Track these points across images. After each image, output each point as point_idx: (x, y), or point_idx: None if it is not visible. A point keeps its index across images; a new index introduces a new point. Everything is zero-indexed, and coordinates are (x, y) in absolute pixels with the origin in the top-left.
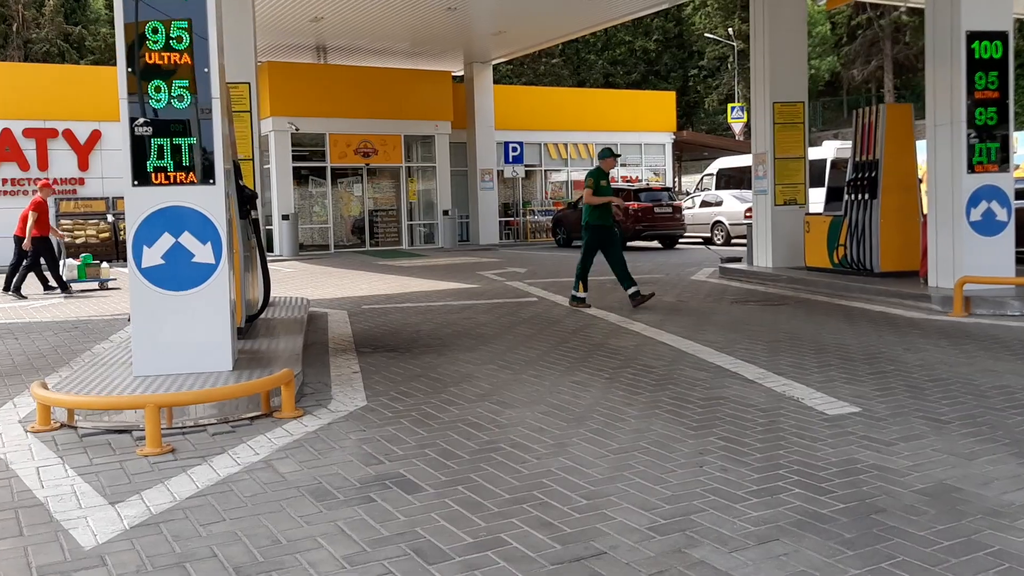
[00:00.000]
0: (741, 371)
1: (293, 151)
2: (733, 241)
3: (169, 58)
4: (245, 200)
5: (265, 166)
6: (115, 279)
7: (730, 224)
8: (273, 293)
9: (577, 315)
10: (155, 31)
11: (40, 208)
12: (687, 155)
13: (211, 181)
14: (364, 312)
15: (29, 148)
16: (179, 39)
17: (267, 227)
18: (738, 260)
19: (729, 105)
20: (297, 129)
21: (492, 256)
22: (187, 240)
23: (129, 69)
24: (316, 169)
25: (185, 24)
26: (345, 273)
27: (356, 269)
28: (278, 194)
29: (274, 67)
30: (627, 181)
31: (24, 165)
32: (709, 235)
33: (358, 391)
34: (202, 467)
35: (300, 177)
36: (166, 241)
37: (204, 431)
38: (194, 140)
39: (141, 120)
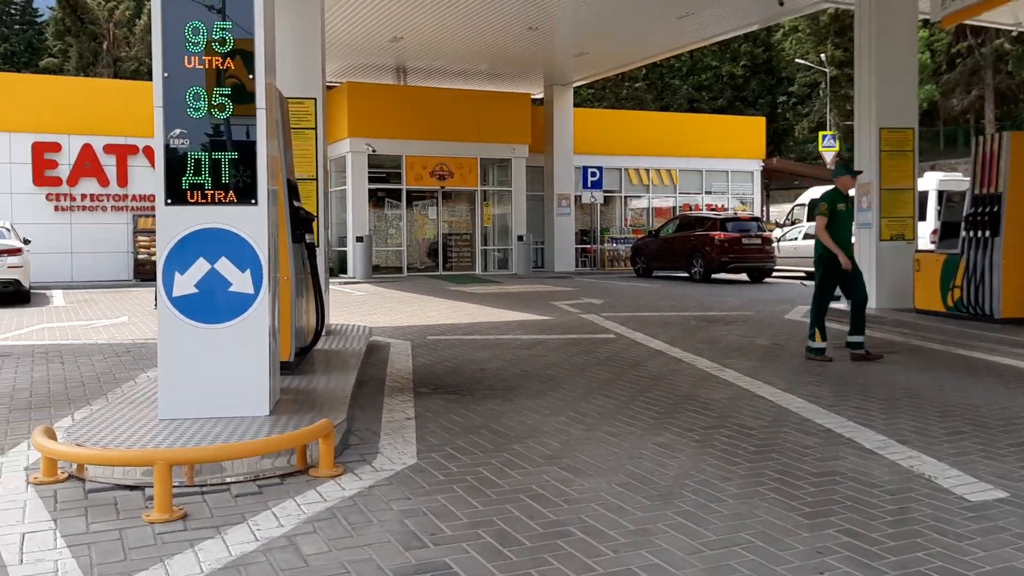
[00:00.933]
0: (856, 437)
1: (369, 172)
2: None
3: (210, 62)
4: (299, 223)
5: (341, 187)
6: None
7: None
8: (341, 318)
9: (660, 358)
10: (195, 31)
11: None
12: (775, 184)
13: (252, 201)
14: (429, 344)
15: (109, 164)
16: (222, 41)
17: (341, 248)
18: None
19: (820, 133)
20: (374, 150)
21: (567, 285)
22: (224, 267)
23: (165, 74)
24: (392, 191)
25: (229, 25)
26: (415, 298)
27: (427, 294)
28: (353, 216)
29: (353, 87)
30: (712, 209)
31: (104, 181)
32: (812, 270)
33: (409, 444)
34: (214, 541)
35: (376, 199)
36: (200, 267)
37: (228, 489)
38: (235, 155)
39: (177, 131)
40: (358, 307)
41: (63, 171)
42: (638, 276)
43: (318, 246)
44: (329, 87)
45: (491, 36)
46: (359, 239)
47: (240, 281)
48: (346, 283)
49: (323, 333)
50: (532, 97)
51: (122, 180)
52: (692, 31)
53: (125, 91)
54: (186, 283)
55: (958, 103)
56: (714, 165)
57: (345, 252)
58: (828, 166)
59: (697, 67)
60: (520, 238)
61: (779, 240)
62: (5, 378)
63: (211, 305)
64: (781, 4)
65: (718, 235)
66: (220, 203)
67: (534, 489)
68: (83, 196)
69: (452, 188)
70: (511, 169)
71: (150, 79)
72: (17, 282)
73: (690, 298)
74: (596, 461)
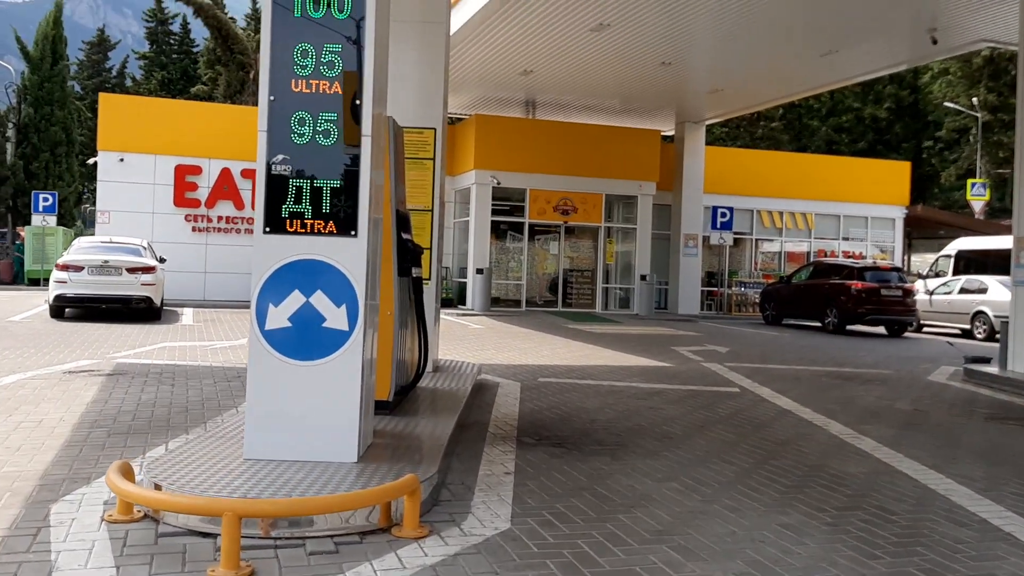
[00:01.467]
0: (1018, 533)
1: (493, 205)
2: (997, 336)
3: (318, 86)
4: (407, 256)
5: (465, 218)
6: None
7: (995, 316)
8: (453, 353)
9: (788, 419)
10: (304, 54)
11: None
12: (918, 233)
13: (353, 232)
14: (539, 387)
15: (245, 188)
16: (331, 65)
17: (461, 280)
18: (986, 361)
19: (969, 181)
20: (499, 183)
21: (690, 329)
22: (319, 301)
23: (271, 97)
24: (514, 224)
25: (339, 48)
26: (531, 335)
27: (543, 331)
28: (475, 247)
29: (481, 120)
30: (849, 257)
31: (239, 204)
32: (969, 327)
33: (504, 504)
34: None
35: (498, 231)
36: (295, 300)
37: (303, 545)
38: (338, 183)
39: (280, 156)
40: (472, 341)
41: (202, 193)
42: (767, 323)
43: (428, 280)
44: (458, 119)
45: (623, 71)
46: (479, 271)
47: (335, 317)
48: (464, 315)
49: (427, 371)
50: (663, 134)
51: (256, 203)
52: (835, 70)
53: None
54: (279, 316)
55: None
56: (853, 210)
57: (465, 283)
58: (977, 215)
59: (837, 108)
60: (643, 277)
61: (931, 293)
62: (115, 399)
63: (304, 341)
64: (934, 42)
65: (855, 284)
66: (319, 233)
67: (637, 572)
68: (219, 218)
69: (575, 223)
70: (637, 206)
71: None
72: (149, 299)
73: (822, 351)
74: (711, 542)
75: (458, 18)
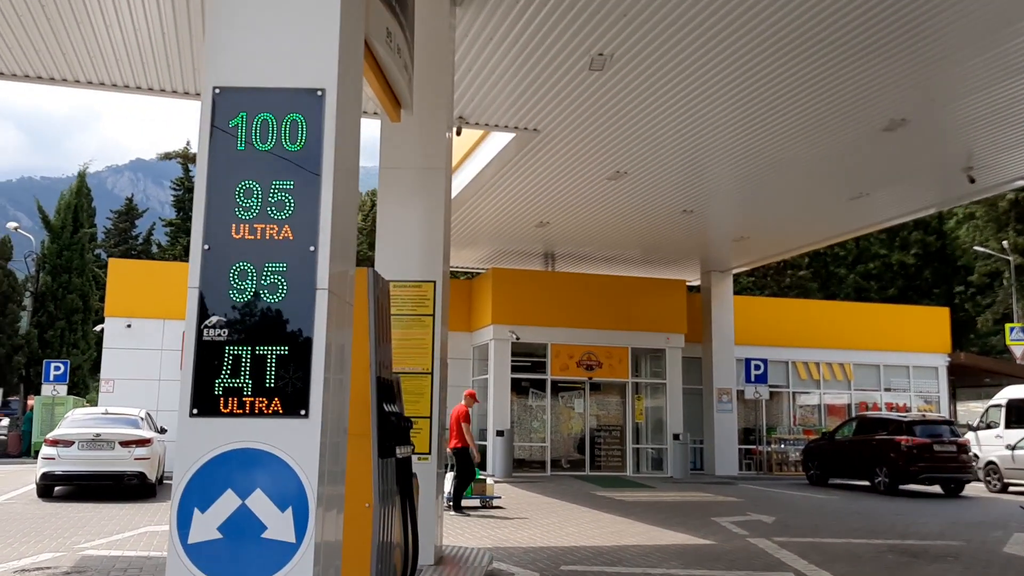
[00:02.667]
0: None
1: (513, 361)
2: None
3: (264, 231)
4: (390, 433)
5: (483, 376)
6: (499, 497)
7: None
8: (467, 532)
9: None
10: (248, 193)
11: (466, 418)
12: (961, 381)
13: (303, 412)
14: None
15: None
16: (280, 205)
17: (481, 442)
18: None
19: (1007, 326)
20: (518, 338)
21: (730, 493)
22: (259, 503)
23: (206, 246)
24: (536, 381)
25: (290, 184)
26: (556, 506)
27: (569, 500)
28: (494, 407)
29: (498, 274)
30: (892, 409)
31: None
32: None
33: None
34: None
35: (519, 389)
36: (227, 503)
37: None
38: (285, 350)
39: (215, 319)
40: (487, 515)
41: None
42: (811, 484)
43: (427, 456)
44: (475, 274)
45: (643, 220)
46: (499, 433)
47: (278, 524)
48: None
49: (423, 566)
50: (688, 284)
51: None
52: (864, 214)
53: None
54: (207, 525)
55: None
56: (893, 359)
57: (485, 447)
58: (1018, 360)
59: (864, 255)
60: (676, 436)
61: (1013, 448)
62: None
63: (238, 558)
64: (972, 181)
65: (905, 440)
66: (261, 414)
67: None
68: None
69: (601, 379)
70: (665, 360)
71: None
72: (142, 475)
73: (879, 517)
74: None
75: (470, 170)
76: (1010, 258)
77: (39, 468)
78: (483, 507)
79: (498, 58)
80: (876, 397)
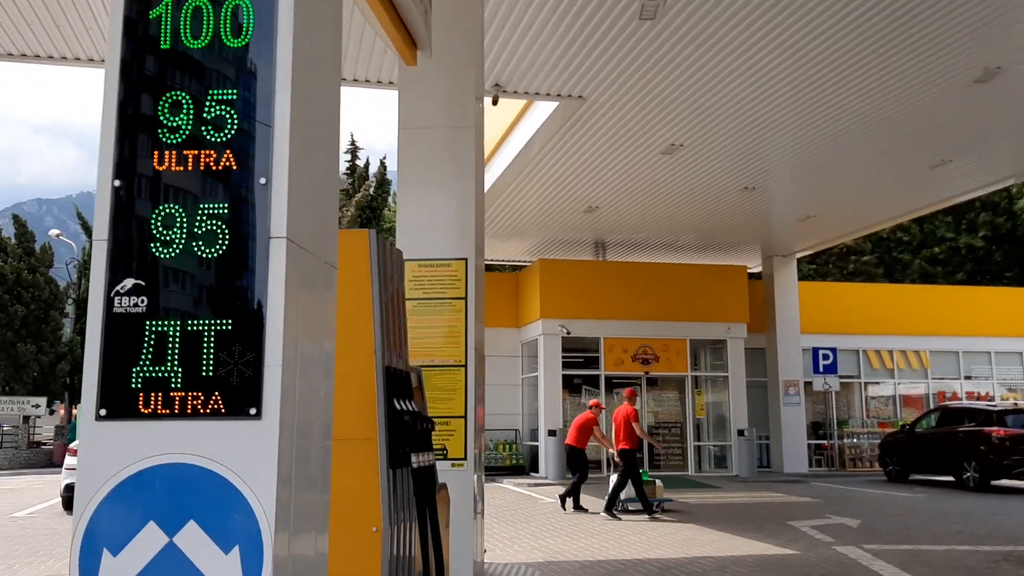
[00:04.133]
0: None
1: (564, 357)
2: None
3: (197, 159)
4: (403, 436)
5: (533, 374)
6: (671, 500)
7: None
8: (514, 545)
9: None
10: (175, 108)
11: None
12: None
13: (252, 412)
14: None
15: None
16: (219, 123)
17: (532, 443)
18: None
19: None
20: (569, 332)
21: (803, 492)
22: (192, 541)
23: (117, 182)
24: (589, 378)
25: (232, 95)
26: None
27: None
28: (545, 406)
29: (546, 265)
30: (973, 398)
31: None
32: None
33: None
34: None
35: (571, 386)
36: (149, 541)
37: None
38: (229, 323)
39: (129, 283)
40: (540, 522)
41: None
42: (890, 480)
43: (462, 462)
44: (522, 266)
45: (699, 199)
46: (551, 433)
47: (220, 568)
48: (536, 484)
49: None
50: (748, 271)
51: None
52: (941, 186)
53: None
54: (121, 570)
55: None
56: (973, 345)
57: (536, 447)
58: None
59: (929, 239)
60: (741, 432)
61: None
62: None
63: None
64: None
65: (996, 431)
66: (196, 414)
67: None
68: None
69: (658, 373)
70: (727, 352)
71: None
72: None
73: (976, 518)
74: None
75: (510, 150)
76: None
77: (62, 479)
78: (650, 513)
79: (535, 8)
80: (956, 386)
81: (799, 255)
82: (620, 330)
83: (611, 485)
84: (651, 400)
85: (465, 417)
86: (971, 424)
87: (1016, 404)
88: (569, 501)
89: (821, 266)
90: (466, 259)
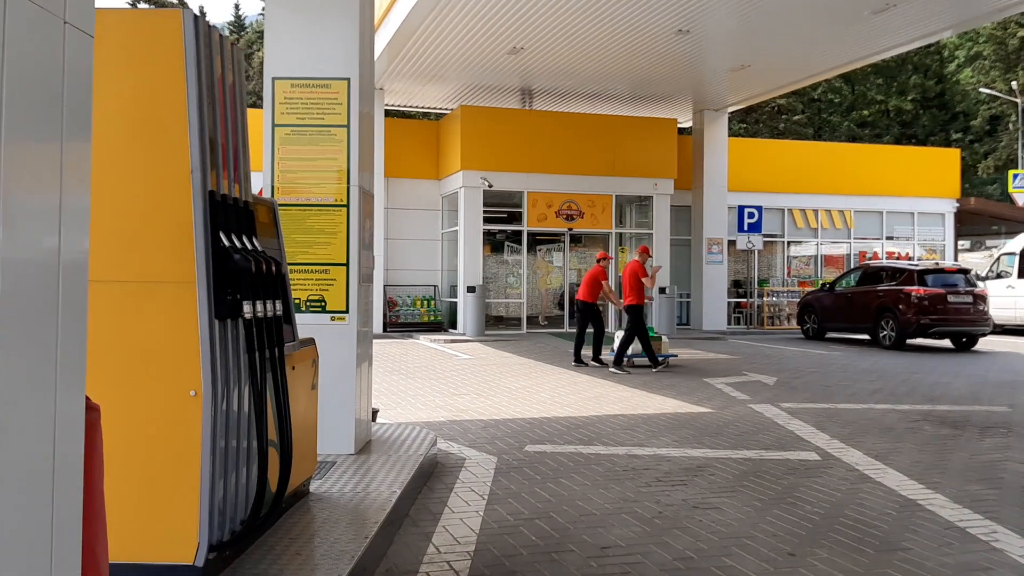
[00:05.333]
0: None
1: (485, 211)
2: None
3: None
4: (235, 280)
5: (453, 228)
6: (675, 355)
7: None
8: (416, 403)
9: (927, 525)
10: None
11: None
12: (965, 229)
13: None
14: (525, 464)
15: None
16: None
17: (451, 299)
18: None
19: (1011, 172)
20: (490, 186)
21: (722, 350)
22: None
23: None
24: (511, 233)
25: None
26: (529, 367)
27: (545, 361)
28: (465, 262)
29: (468, 112)
30: (894, 259)
31: None
32: None
33: None
34: None
35: (493, 242)
36: None
37: None
38: None
39: None
40: (452, 379)
41: None
42: (807, 338)
43: (343, 316)
44: (441, 114)
45: (631, 44)
46: (470, 289)
47: None
48: (454, 341)
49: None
50: (679, 126)
51: None
52: (881, 36)
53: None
54: None
55: None
56: (897, 205)
57: (455, 304)
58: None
59: (859, 102)
60: (663, 290)
61: None
62: None
63: None
64: None
65: (916, 291)
66: None
67: None
68: None
69: (582, 230)
70: (652, 208)
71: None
72: None
73: (893, 376)
74: None
75: None
76: (1018, 100)
77: None
78: (661, 366)
79: None
80: (877, 246)
81: (731, 109)
82: (545, 184)
83: (617, 340)
84: (574, 257)
85: (347, 264)
86: (891, 283)
87: (937, 264)
88: (589, 355)
89: (752, 125)
90: (349, 79)
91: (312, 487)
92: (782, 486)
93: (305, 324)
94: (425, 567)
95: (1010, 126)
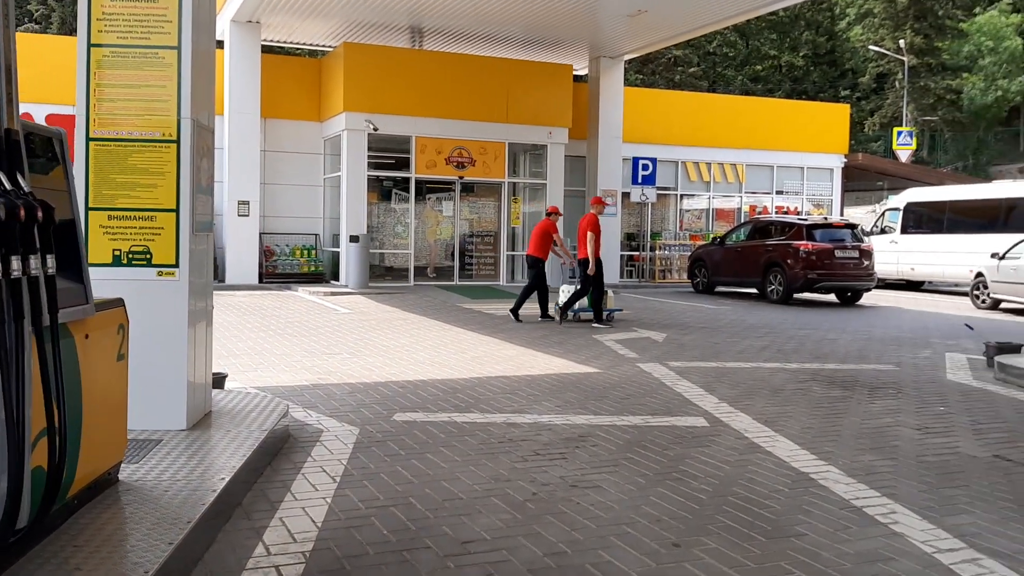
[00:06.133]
0: None
1: (370, 157)
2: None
3: None
4: None
5: (336, 174)
6: (620, 310)
7: None
8: (280, 364)
9: (819, 502)
10: None
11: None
12: (851, 185)
13: None
14: (390, 437)
15: None
16: None
17: (334, 249)
18: (1016, 350)
19: (895, 129)
20: (376, 129)
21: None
22: None
23: None
24: (399, 181)
25: None
26: (411, 322)
27: (429, 315)
28: (347, 210)
29: (352, 50)
30: (783, 212)
31: None
32: None
33: None
34: None
35: (379, 189)
36: None
37: None
38: None
39: None
40: (325, 336)
41: None
42: (697, 292)
43: (172, 270)
44: (324, 51)
45: None
46: (353, 239)
47: None
48: (334, 293)
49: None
50: (574, 73)
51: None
52: None
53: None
54: None
55: None
56: (787, 160)
57: (338, 254)
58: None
59: (752, 57)
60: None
61: (1000, 258)
62: None
63: None
64: None
65: (804, 245)
66: None
67: None
68: None
69: (473, 179)
70: (547, 158)
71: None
72: None
73: (782, 332)
74: None
75: None
76: (905, 58)
77: None
78: (604, 321)
79: None
80: (767, 201)
81: (627, 58)
82: (434, 129)
83: (563, 295)
84: (465, 207)
85: (177, 210)
86: (780, 238)
87: (826, 219)
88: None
89: (648, 76)
90: None
91: (124, 474)
92: (668, 458)
93: (125, 280)
94: (253, 565)
95: (896, 84)
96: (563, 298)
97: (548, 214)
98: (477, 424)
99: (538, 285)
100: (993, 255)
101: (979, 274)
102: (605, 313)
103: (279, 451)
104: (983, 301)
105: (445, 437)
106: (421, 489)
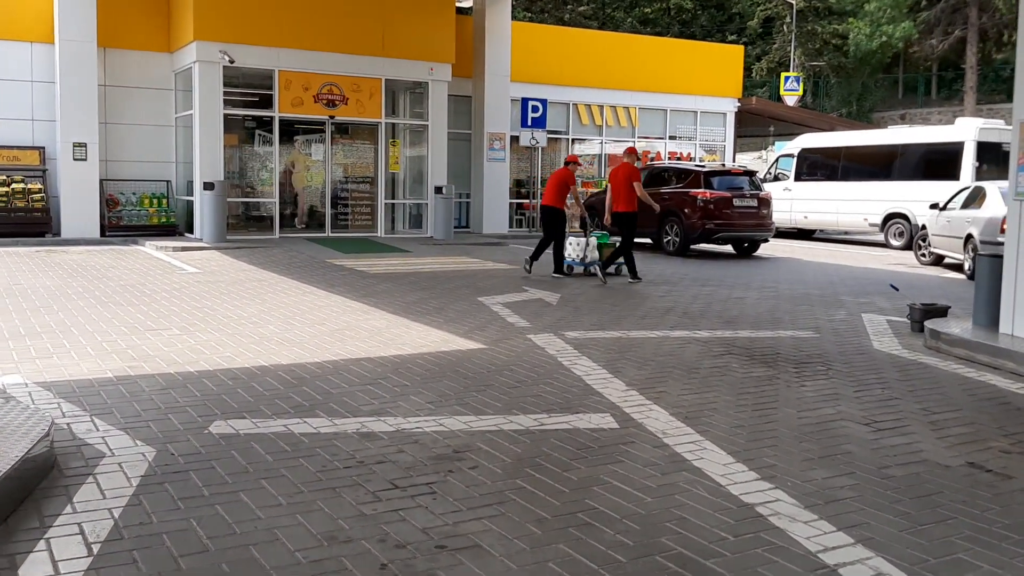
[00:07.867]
0: None
1: (227, 93)
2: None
3: None
4: None
5: (187, 112)
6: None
7: (981, 241)
8: (90, 335)
9: (785, 550)
10: None
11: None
12: (742, 130)
13: None
14: (198, 460)
15: None
16: None
17: (188, 198)
18: (942, 313)
19: (783, 74)
20: (232, 61)
21: (501, 258)
22: None
23: None
24: (261, 120)
25: None
26: (267, 284)
27: (290, 276)
28: (201, 154)
29: None
30: (676, 159)
31: None
32: (962, 257)
33: None
34: None
35: (240, 130)
36: None
37: None
38: None
39: None
40: (158, 304)
41: None
42: None
43: None
44: None
45: None
46: (207, 186)
47: None
48: (186, 248)
49: None
50: (457, 5)
51: None
52: None
53: None
54: None
55: (938, 44)
56: (680, 103)
57: (192, 204)
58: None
59: None
60: (439, 190)
61: (940, 209)
62: None
63: None
64: None
65: (702, 194)
66: None
67: None
68: None
69: (346, 119)
70: (428, 97)
71: None
72: None
73: (684, 290)
74: None
75: None
76: (793, 1)
77: None
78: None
79: None
80: (660, 146)
81: None
82: (300, 62)
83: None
84: (338, 151)
85: None
86: (677, 186)
87: (724, 165)
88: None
89: (537, 15)
90: None
91: None
92: (571, 486)
93: None
94: None
95: (784, 28)
96: (570, 250)
97: (567, 163)
98: (320, 436)
99: (555, 237)
100: (932, 206)
101: (923, 227)
102: (612, 268)
103: (29, 494)
104: (924, 255)
105: (272, 460)
106: (217, 564)
